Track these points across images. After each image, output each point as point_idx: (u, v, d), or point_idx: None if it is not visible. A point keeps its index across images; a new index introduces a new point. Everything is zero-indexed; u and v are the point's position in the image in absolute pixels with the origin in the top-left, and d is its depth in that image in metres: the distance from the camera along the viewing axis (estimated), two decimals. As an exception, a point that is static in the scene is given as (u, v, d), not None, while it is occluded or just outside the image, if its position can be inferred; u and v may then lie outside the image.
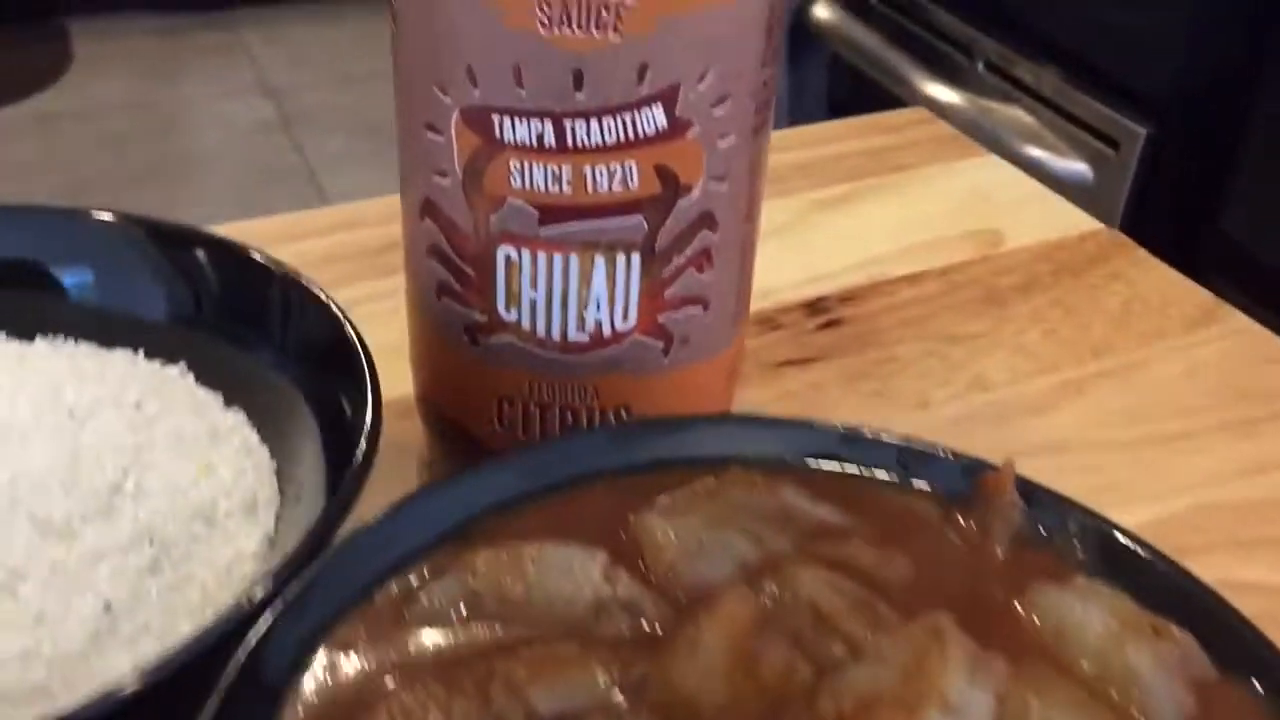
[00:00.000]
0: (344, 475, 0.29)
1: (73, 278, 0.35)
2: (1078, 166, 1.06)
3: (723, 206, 0.32)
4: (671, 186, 0.31)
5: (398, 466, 0.38)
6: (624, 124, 0.30)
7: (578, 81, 0.29)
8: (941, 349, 0.44)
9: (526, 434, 0.35)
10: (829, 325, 0.45)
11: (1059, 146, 1.07)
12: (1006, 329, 0.45)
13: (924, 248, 0.50)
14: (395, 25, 0.31)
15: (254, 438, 0.33)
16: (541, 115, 0.30)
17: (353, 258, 0.47)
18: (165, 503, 0.29)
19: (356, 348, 0.31)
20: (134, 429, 0.31)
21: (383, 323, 0.44)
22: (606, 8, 0.28)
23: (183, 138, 2.24)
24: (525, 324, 0.33)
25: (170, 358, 0.35)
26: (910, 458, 0.29)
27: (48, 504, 0.28)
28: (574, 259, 0.32)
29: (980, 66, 1.15)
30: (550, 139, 0.30)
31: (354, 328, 0.32)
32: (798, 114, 1.25)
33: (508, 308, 0.33)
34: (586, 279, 0.32)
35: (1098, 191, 1.04)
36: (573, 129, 0.30)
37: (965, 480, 0.29)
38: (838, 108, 1.27)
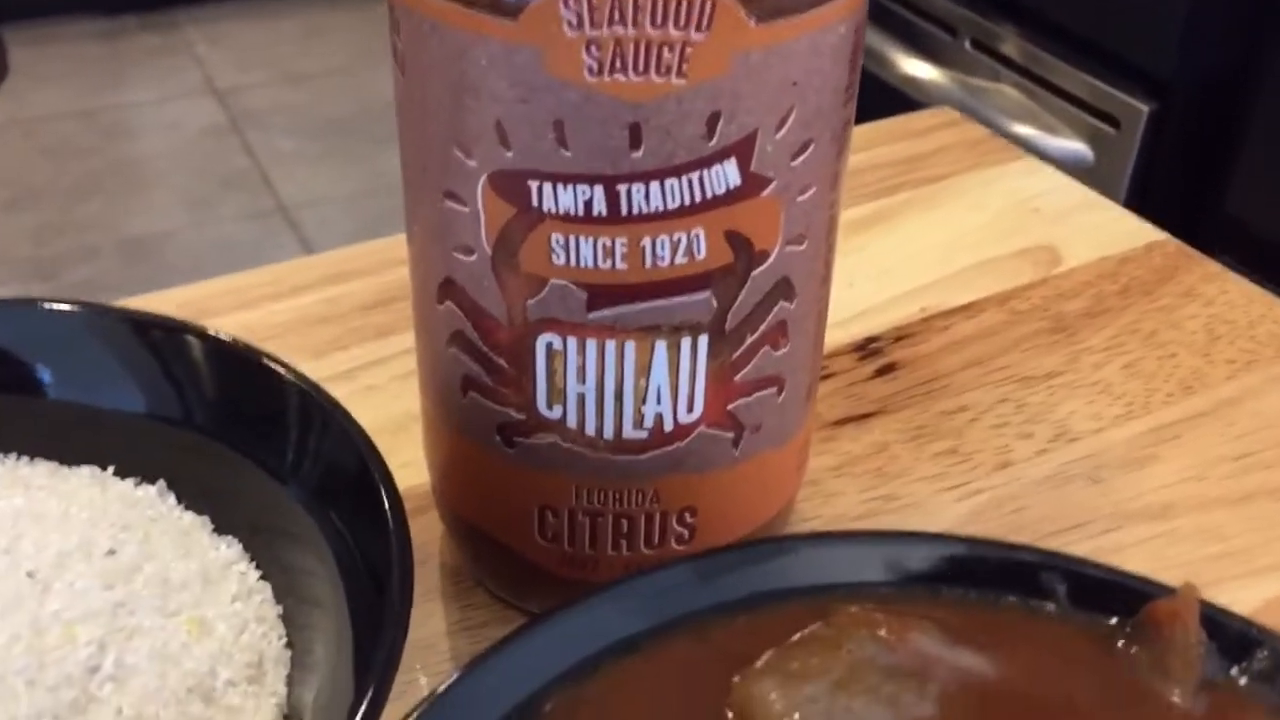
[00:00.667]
0: (368, 625, 0.24)
1: (33, 375, 0.29)
2: (1076, 146, 1.02)
3: (801, 271, 0.27)
4: (745, 254, 0.26)
5: (419, 572, 0.33)
6: (690, 185, 0.24)
7: (634, 137, 0.24)
8: (1016, 393, 0.39)
9: (573, 546, 0.29)
10: (885, 371, 0.40)
11: (1055, 126, 1.03)
12: (1083, 364, 0.41)
13: (975, 271, 0.45)
14: (402, 73, 0.26)
15: (253, 575, 0.28)
16: (590, 179, 0.24)
17: (343, 317, 0.42)
18: (154, 681, 0.24)
19: (378, 482, 0.26)
20: (109, 584, 0.25)
21: (385, 394, 0.39)
22: (670, 46, 0.23)
23: (129, 144, 2.17)
24: (572, 422, 0.27)
25: (145, 473, 0.30)
26: (1056, 576, 0.24)
27: (9, 706, 0.22)
28: (630, 346, 0.26)
29: (965, 44, 1.10)
30: (601, 207, 0.24)
31: (376, 453, 0.27)
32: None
33: (550, 405, 0.27)
34: (645, 368, 0.27)
35: (1098, 172, 1.00)
36: (628, 194, 0.24)
37: (1129, 604, 0.24)
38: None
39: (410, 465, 0.33)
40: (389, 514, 0.25)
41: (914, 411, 0.39)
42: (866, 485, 0.36)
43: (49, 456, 0.30)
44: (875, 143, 0.52)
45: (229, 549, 0.28)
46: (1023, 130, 1.02)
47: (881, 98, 1.13)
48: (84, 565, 0.25)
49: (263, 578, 0.28)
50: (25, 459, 0.30)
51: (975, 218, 0.48)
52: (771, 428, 0.29)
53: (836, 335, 0.41)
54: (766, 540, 0.25)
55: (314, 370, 0.39)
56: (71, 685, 0.23)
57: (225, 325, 0.41)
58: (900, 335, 0.42)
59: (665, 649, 0.23)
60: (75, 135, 2.17)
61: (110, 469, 0.30)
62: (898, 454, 0.37)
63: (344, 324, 0.42)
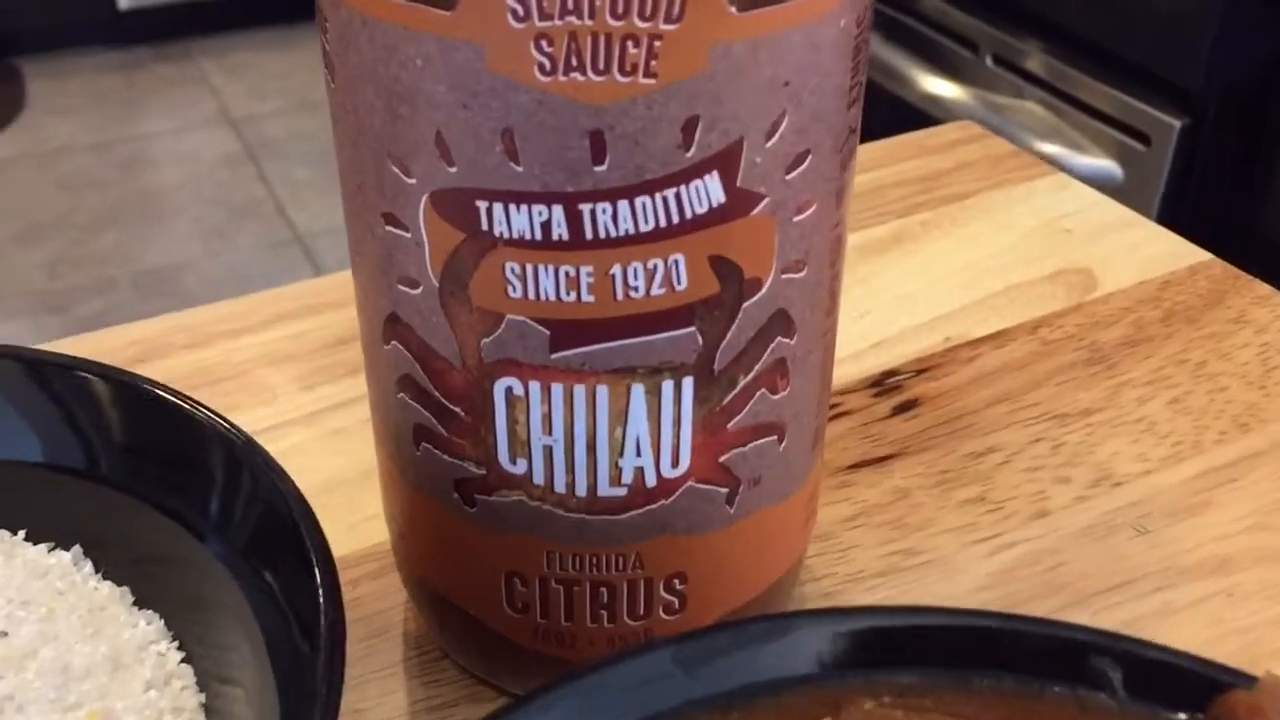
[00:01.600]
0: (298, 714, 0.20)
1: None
2: (1104, 164, 0.98)
3: (801, 301, 0.23)
4: (733, 283, 0.22)
5: (378, 644, 0.29)
6: (665, 204, 0.21)
7: (597, 147, 0.20)
8: (1051, 432, 0.35)
9: (547, 617, 0.25)
10: (906, 408, 0.36)
11: (1081, 144, 0.99)
12: (1125, 399, 0.37)
13: (1003, 297, 0.41)
14: (331, 79, 0.22)
15: (174, 657, 0.24)
16: (547, 198, 0.21)
17: (310, 354, 0.38)
18: (37, 792, 0.20)
19: (306, 541, 0.22)
20: (-6, 674, 0.21)
21: (352, 439, 0.35)
22: (635, 40, 0.19)
23: (145, 176, 2.16)
24: (539, 479, 0.24)
25: (61, 536, 0.26)
26: (1110, 659, 0.20)
27: None
28: (602, 391, 0.22)
29: (987, 60, 1.06)
30: (561, 230, 0.21)
31: (305, 510, 0.23)
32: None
33: (513, 459, 0.24)
34: (620, 416, 0.23)
35: (1128, 191, 0.96)
36: (592, 215, 0.21)
37: (1198, 695, 0.20)
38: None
39: (376, 519, 0.30)
40: (320, 585, 0.21)
41: (938, 453, 0.35)
42: (885, 538, 0.32)
43: (-50, 519, 0.26)
44: (891, 160, 0.49)
45: (149, 626, 0.24)
46: (1048, 148, 0.99)
47: (900, 117, 1.09)
48: (-34, 653, 0.22)
49: (185, 660, 0.24)
50: (-75, 522, 0.26)
51: (1001, 239, 0.44)
52: (772, 481, 0.25)
53: (849, 369, 0.38)
54: (762, 619, 0.21)
55: (273, 413, 0.36)
56: (-66, 802, 0.19)
57: (178, 365, 0.37)
58: (921, 368, 0.38)
59: (643, 753, 0.20)
60: (91, 167, 2.16)
61: (21, 533, 0.26)
62: (920, 502, 0.33)
63: (310, 361, 0.38)
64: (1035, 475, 0.34)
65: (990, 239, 0.44)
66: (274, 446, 0.35)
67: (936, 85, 1.08)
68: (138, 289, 1.88)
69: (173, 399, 0.25)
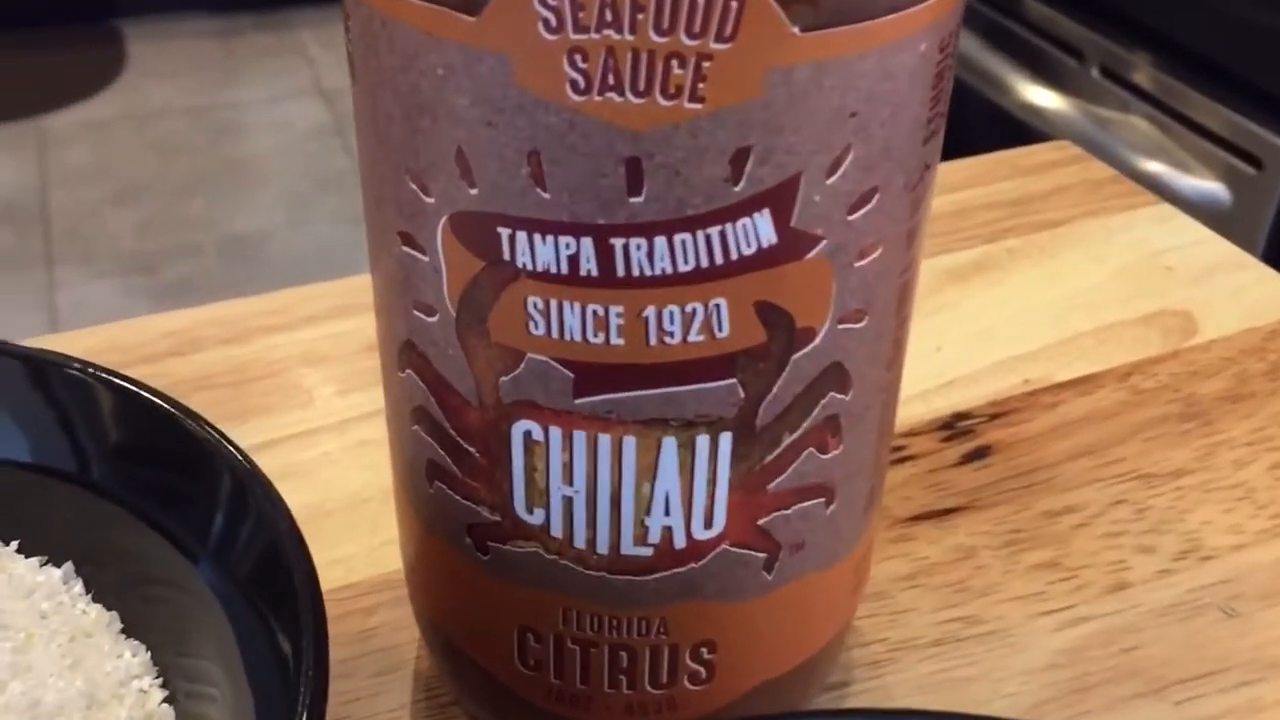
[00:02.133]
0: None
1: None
2: (1211, 187, 0.93)
3: (859, 355, 0.21)
4: (782, 333, 0.20)
5: (387, 681, 0.27)
6: (708, 243, 0.18)
7: (633, 177, 0.18)
8: (1135, 494, 0.32)
9: (562, 678, 0.23)
10: (976, 456, 0.34)
11: (1188, 164, 0.94)
12: (1221, 461, 0.33)
13: (1093, 338, 0.38)
14: (353, 81, 0.20)
15: (156, 695, 0.22)
16: (576, 229, 0.18)
17: (346, 358, 0.36)
18: None
19: (295, 578, 0.20)
20: (-46, 709, 0.20)
21: (380, 452, 0.33)
22: (681, 59, 0.17)
23: (236, 143, 2.18)
24: (557, 531, 0.21)
25: (53, 550, 0.24)
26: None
27: None
28: (629, 442, 0.20)
29: (1093, 71, 1.02)
30: (590, 265, 0.19)
31: (302, 555, 0.21)
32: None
33: (530, 507, 0.21)
34: (649, 471, 0.21)
35: (1235, 217, 0.91)
36: (625, 251, 0.18)
37: None
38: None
39: (398, 543, 0.28)
40: (305, 642, 0.19)
41: (1009, 509, 0.32)
42: (944, 602, 0.29)
43: (-54, 524, 0.25)
44: (981, 179, 0.46)
45: (134, 658, 0.23)
46: (1152, 167, 0.94)
47: (997, 128, 1.05)
48: (-74, 684, 0.20)
49: (168, 699, 0.22)
50: (-84, 527, 0.25)
51: (1095, 273, 0.41)
52: (818, 546, 0.23)
53: (917, 409, 0.35)
54: (777, 716, 0.19)
55: (306, 418, 0.34)
56: None
57: (213, 360, 0.36)
58: (997, 412, 0.35)
59: None
60: (185, 132, 2.18)
61: (14, 544, 0.24)
62: (986, 563, 0.30)
63: (348, 365, 0.36)
64: (1116, 542, 0.31)
65: (1082, 272, 0.41)
66: (302, 455, 0.34)
67: (1038, 95, 1.04)
68: (222, 254, 1.89)
69: (175, 410, 0.24)
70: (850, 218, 0.19)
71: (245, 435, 0.34)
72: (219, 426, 0.33)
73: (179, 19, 2.47)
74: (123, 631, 0.23)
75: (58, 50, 2.38)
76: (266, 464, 0.33)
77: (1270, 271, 0.41)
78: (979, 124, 1.10)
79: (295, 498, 0.32)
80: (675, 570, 0.22)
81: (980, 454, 0.34)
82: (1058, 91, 1.04)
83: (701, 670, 0.23)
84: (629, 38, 0.17)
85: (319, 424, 0.34)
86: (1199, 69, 0.94)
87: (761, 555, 0.22)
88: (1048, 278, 0.41)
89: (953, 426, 0.35)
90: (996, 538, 0.31)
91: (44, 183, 2.03)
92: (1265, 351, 0.37)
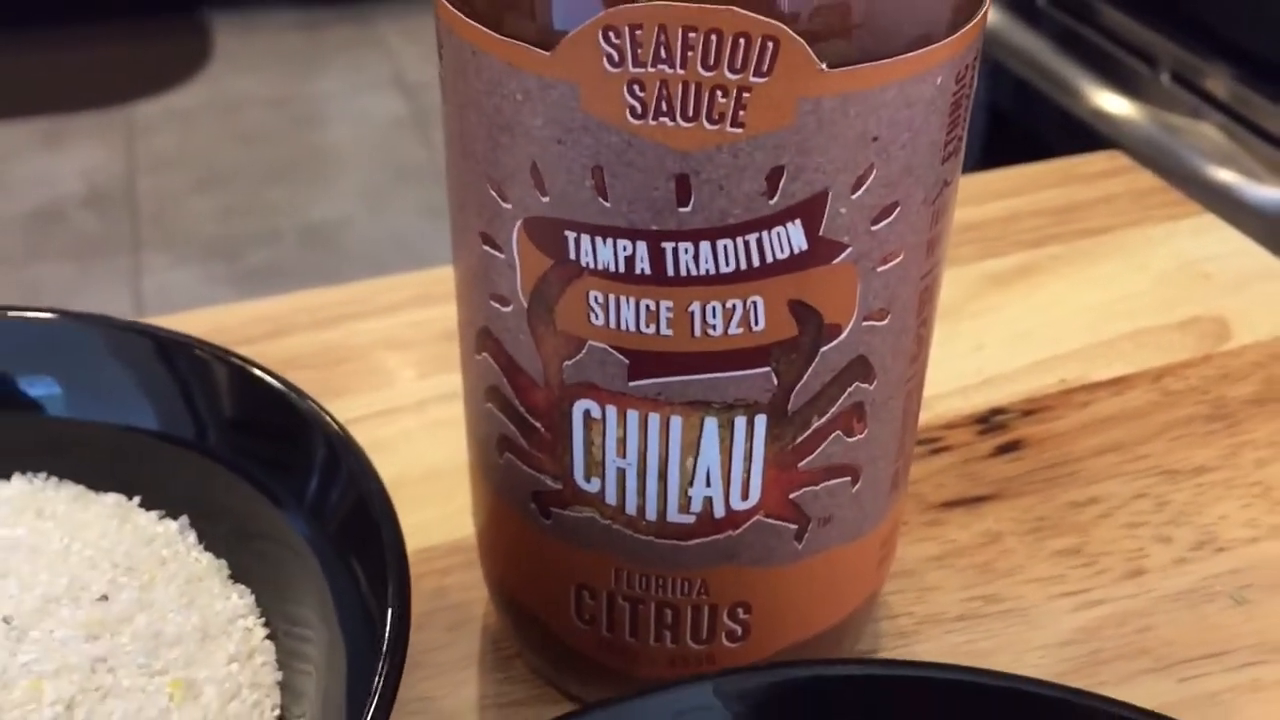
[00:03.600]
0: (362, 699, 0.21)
1: (40, 389, 0.28)
2: (1277, 194, 0.94)
3: (882, 349, 0.23)
4: (812, 328, 0.22)
5: (458, 634, 0.30)
6: (747, 248, 0.21)
7: (682, 191, 0.20)
8: (1158, 488, 0.35)
9: (612, 631, 0.26)
10: (1008, 449, 0.36)
11: (1256, 171, 0.95)
12: (1244, 460, 0.35)
13: (1129, 341, 0.40)
14: (444, 100, 0.23)
15: (259, 633, 0.25)
16: (632, 234, 0.21)
17: (424, 343, 0.40)
18: (118, 751, 0.22)
19: (383, 533, 0.23)
20: (94, 636, 0.23)
21: (455, 430, 0.36)
22: (724, 91, 0.19)
23: (317, 133, 2.23)
24: (611, 498, 0.24)
25: (171, 505, 0.28)
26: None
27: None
28: (676, 421, 0.23)
29: (1164, 77, 1.02)
30: (644, 265, 0.21)
31: (388, 508, 0.24)
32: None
33: (588, 477, 0.24)
34: (692, 447, 0.23)
35: (1301, 224, 0.92)
36: (675, 254, 0.21)
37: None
38: (997, 123, 1.16)
39: (469, 512, 0.31)
40: (390, 584, 0.23)
41: (1036, 499, 0.34)
42: (970, 581, 0.32)
43: (77, 478, 0.28)
44: (1030, 187, 0.48)
45: (240, 600, 0.26)
46: (1223, 175, 0.95)
47: (1068, 133, 1.06)
48: (69, 611, 0.23)
49: (269, 637, 0.25)
50: (54, 480, 0.28)
51: (1135, 280, 0.43)
52: (844, 520, 0.25)
53: (956, 403, 0.37)
54: (805, 664, 0.21)
55: (387, 397, 0.37)
56: (25, 749, 0.21)
57: (303, 343, 0.39)
58: (1031, 409, 0.37)
59: (676, 782, 0.20)
60: (267, 121, 2.24)
61: (137, 499, 0.28)
62: (1011, 547, 0.33)
63: (426, 349, 0.39)
64: (1135, 532, 0.33)
65: (1123, 279, 0.43)
66: (383, 431, 0.37)
67: (1109, 101, 1.05)
68: (301, 242, 1.95)
69: (280, 385, 0.27)
70: (874, 228, 0.22)
71: (332, 413, 0.37)
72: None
73: (264, 11, 2.53)
74: (230, 578, 0.27)
75: (147, 41, 2.45)
76: (352, 438, 0.36)
77: (1307, 281, 0.43)
78: (1050, 129, 1.11)
79: (379, 469, 0.35)
80: (715, 537, 0.24)
81: (1012, 447, 0.36)
82: (1129, 97, 1.04)
83: (738, 629, 0.26)
84: (680, 72, 0.19)
85: (399, 404, 0.37)
86: (1269, 76, 0.95)
87: (793, 526, 0.25)
88: (1088, 283, 0.43)
89: (988, 421, 0.37)
90: (1023, 524, 0.33)
91: (131, 169, 2.10)
92: (1294, 357, 0.39)
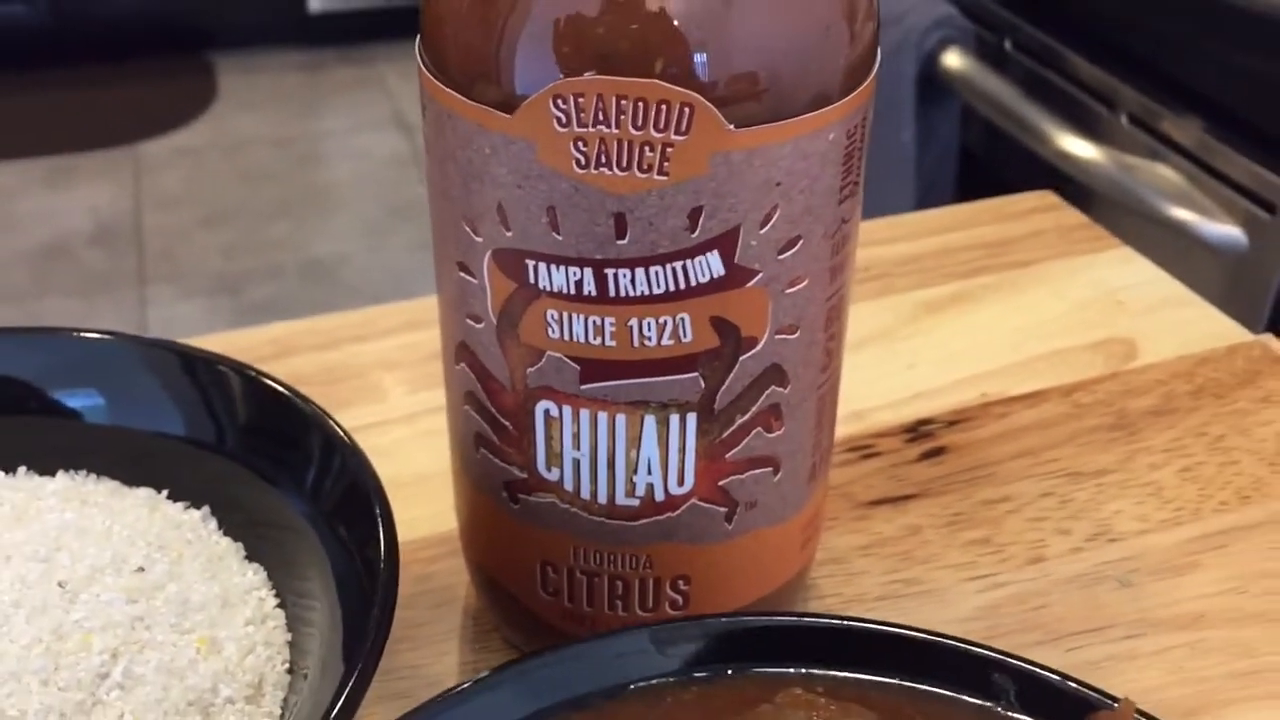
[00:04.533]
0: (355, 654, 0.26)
1: (81, 400, 0.33)
2: (1230, 231, 0.99)
3: (794, 359, 0.28)
4: (732, 340, 0.27)
5: (441, 612, 0.35)
6: (674, 273, 0.26)
7: (619, 226, 0.25)
8: (1062, 488, 0.39)
9: (573, 602, 0.31)
10: (932, 454, 0.40)
11: (1210, 209, 1.00)
12: (1139, 464, 0.40)
13: (1045, 360, 0.45)
14: (427, 153, 0.28)
15: (271, 602, 0.30)
16: (580, 262, 0.26)
17: (416, 363, 0.44)
18: (157, 692, 0.26)
19: (375, 509, 0.28)
20: (133, 599, 0.28)
21: (442, 439, 0.41)
22: (651, 146, 0.24)
23: (318, 171, 2.28)
24: (568, 485, 0.29)
25: (195, 497, 0.32)
26: (1005, 679, 0.25)
27: (21, 701, 0.25)
28: (621, 418, 0.28)
29: (1123, 119, 1.08)
30: (590, 288, 0.26)
31: (378, 488, 0.29)
32: (924, 171, 1.19)
33: (548, 467, 0.29)
34: (635, 440, 0.28)
35: (1252, 258, 0.97)
36: (615, 278, 0.26)
37: (1075, 713, 0.24)
38: (969, 164, 1.21)
39: (453, 510, 0.35)
40: (383, 546, 0.27)
41: (954, 497, 0.39)
42: (891, 567, 0.36)
43: (115, 476, 0.33)
44: (967, 223, 0.52)
45: (254, 576, 0.30)
46: (1178, 213, 1.00)
47: (1035, 173, 1.11)
48: (112, 579, 0.28)
49: (280, 605, 0.30)
50: (94, 476, 0.33)
51: (1054, 306, 0.48)
52: (768, 505, 0.30)
53: (886, 416, 0.42)
54: (722, 618, 0.26)
55: (382, 410, 0.42)
56: (81, 688, 0.25)
57: (307, 363, 0.44)
58: (955, 419, 0.42)
59: (617, 710, 0.25)
60: (270, 160, 2.30)
61: (165, 492, 0.32)
62: (929, 539, 0.37)
63: (418, 369, 0.44)
64: (1039, 525, 0.38)
65: (1044, 305, 0.48)
66: (379, 440, 0.41)
67: (1071, 143, 1.10)
68: (303, 277, 2.00)
69: (289, 393, 0.31)
70: (780, 257, 0.26)
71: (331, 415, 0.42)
72: (314, 414, 0.41)
73: (268, 53, 2.59)
74: (246, 558, 0.31)
75: (154, 81, 2.52)
76: (351, 446, 0.40)
77: (1211, 310, 0.48)
78: (1017, 168, 1.16)
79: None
80: (656, 518, 0.29)
81: (936, 453, 0.41)
82: (1089, 139, 1.10)
83: (679, 598, 0.30)
84: (615, 131, 0.24)
85: (392, 416, 0.42)
86: (1222, 121, 1.00)
87: (723, 509, 0.29)
88: (1013, 310, 0.47)
89: (916, 430, 0.41)
90: (941, 519, 0.38)
91: (138, 206, 2.15)
92: (1193, 375, 0.44)
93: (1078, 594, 0.35)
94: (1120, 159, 1.07)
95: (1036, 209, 0.54)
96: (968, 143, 1.22)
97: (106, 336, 0.33)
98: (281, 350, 0.45)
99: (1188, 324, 0.47)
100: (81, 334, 0.33)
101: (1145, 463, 0.40)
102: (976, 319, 0.47)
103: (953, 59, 1.15)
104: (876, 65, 0.27)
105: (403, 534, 0.37)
